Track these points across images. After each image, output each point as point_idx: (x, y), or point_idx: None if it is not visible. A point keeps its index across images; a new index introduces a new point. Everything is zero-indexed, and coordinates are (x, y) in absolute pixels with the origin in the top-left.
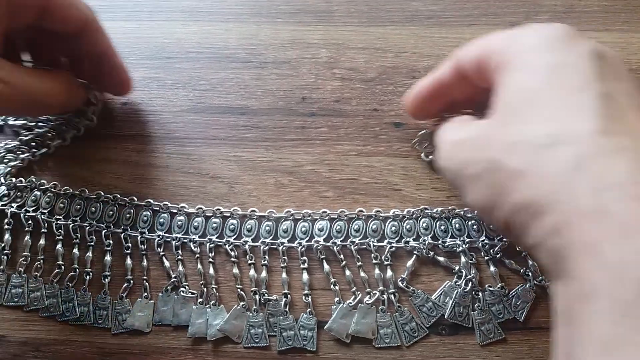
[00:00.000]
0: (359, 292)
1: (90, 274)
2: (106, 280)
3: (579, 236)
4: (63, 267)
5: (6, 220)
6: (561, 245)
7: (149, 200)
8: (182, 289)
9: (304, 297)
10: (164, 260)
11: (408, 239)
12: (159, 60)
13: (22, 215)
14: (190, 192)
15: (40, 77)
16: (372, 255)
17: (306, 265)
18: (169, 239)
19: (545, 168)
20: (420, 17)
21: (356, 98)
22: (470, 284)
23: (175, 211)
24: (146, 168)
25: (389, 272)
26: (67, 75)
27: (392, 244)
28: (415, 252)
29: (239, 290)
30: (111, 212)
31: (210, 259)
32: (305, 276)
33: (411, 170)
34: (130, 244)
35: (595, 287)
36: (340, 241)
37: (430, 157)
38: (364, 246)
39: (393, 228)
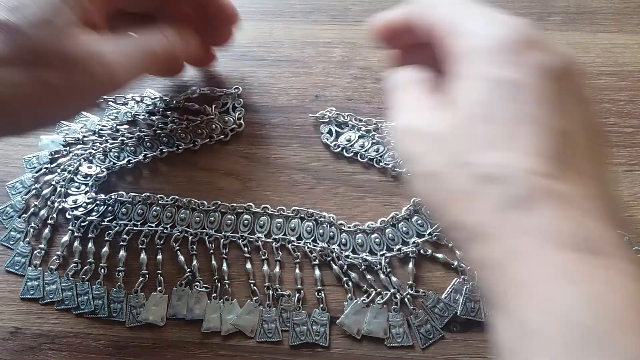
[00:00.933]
0: (372, 290)
1: (105, 268)
2: (120, 274)
3: (511, 274)
4: (79, 263)
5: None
6: (495, 278)
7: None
8: (196, 283)
9: (316, 293)
10: (179, 255)
11: (399, 246)
12: None
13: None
14: (204, 188)
15: (152, 35)
16: (370, 265)
17: (317, 261)
18: (186, 234)
19: (481, 200)
20: None
21: (369, 96)
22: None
23: (195, 207)
24: (161, 164)
25: (394, 278)
26: (183, 25)
27: (386, 254)
28: (411, 255)
29: (252, 285)
30: (124, 210)
31: (223, 255)
32: (317, 272)
33: None
34: (145, 239)
35: (536, 328)
36: (337, 250)
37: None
38: (358, 260)
39: (377, 240)
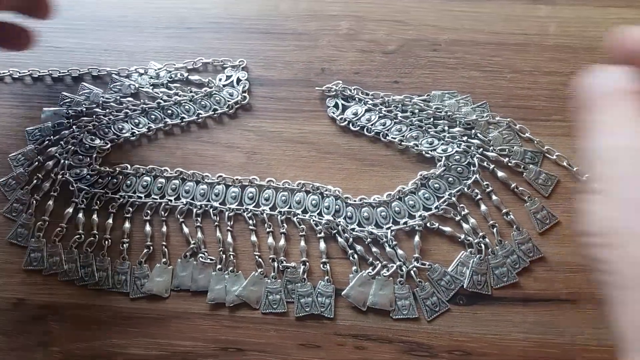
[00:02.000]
0: (377, 262)
1: (109, 240)
2: (125, 246)
3: None
4: (83, 235)
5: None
6: None
7: (179, 169)
8: (201, 255)
9: (321, 265)
10: (184, 227)
11: (405, 220)
12: (180, 30)
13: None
14: (209, 161)
15: None
16: (376, 239)
17: (322, 234)
18: (191, 207)
19: None
20: None
21: (376, 70)
22: (482, 249)
23: (199, 180)
24: (166, 137)
25: (400, 251)
26: None
27: (392, 228)
28: (417, 229)
29: (257, 257)
30: (129, 182)
31: (228, 227)
32: (322, 245)
33: None
34: (149, 211)
35: None
36: (342, 223)
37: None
38: (364, 233)
39: (383, 213)
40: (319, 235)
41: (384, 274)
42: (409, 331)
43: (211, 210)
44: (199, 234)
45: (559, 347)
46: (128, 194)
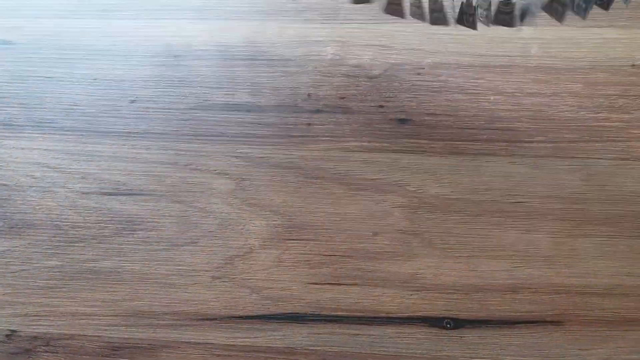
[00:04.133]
0: None
1: None
2: None
3: None
4: None
5: None
6: None
7: None
8: None
9: None
10: None
11: None
12: (167, 59)
13: None
14: (198, 188)
15: None
16: None
17: None
18: None
19: None
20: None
21: (361, 95)
22: None
23: None
24: (155, 165)
25: None
26: None
27: None
28: None
29: None
30: None
31: None
32: None
33: (416, 166)
34: None
35: None
36: None
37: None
38: None
39: None
40: None
41: None
42: (397, 356)
43: None
44: None
45: None
46: None
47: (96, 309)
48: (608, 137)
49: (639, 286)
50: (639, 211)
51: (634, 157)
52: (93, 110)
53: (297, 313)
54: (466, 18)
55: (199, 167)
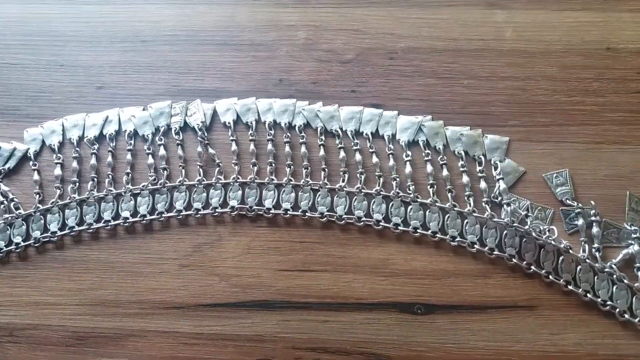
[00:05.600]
0: None
1: None
2: None
3: None
4: None
5: None
6: None
7: None
8: None
9: None
10: None
11: None
12: (135, 44)
13: None
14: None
15: None
16: None
17: None
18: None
19: None
20: None
21: (334, 80)
22: None
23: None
24: (122, 152)
25: None
26: None
27: None
28: None
29: None
30: None
31: None
32: None
33: (389, 151)
34: None
35: None
36: None
37: None
38: None
39: None
40: None
41: None
42: (367, 342)
43: None
44: None
45: (517, 354)
46: None
47: (61, 298)
48: (582, 120)
49: None
50: (612, 195)
51: (608, 140)
52: (59, 97)
53: (267, 300)
54: None
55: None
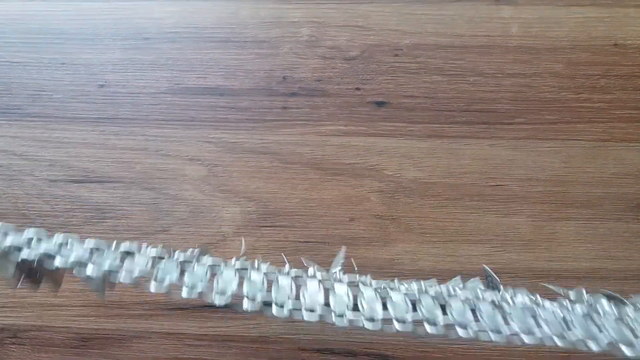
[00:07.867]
0: None
1: None
2: None
3: None
4: None
5: None
6: None
7: None
8: None
9: None
10: None
11: None
12: (137, 41)
13: None
14: (169, 174)
15: None
16: None
17: None
18: None
19: None
20: None
21: (338, 77)
22: None
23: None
24: (125, 151)
25: None
26: None
27: None
28: None
29: None
30: None
31: None
32: None
33: (393, 150)
34: None
35: None
36: None
37: None
38: None
39: None
40: None
41: None
42: (374, 343)
43: None
44: None
45: (524, 354)
46: None
47: (65, 300)
48: (589, 118)
49: (619, 269)
50: (620, 193)
51: (615, 138)
52: (60, 96)
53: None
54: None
55: (170, 153)
